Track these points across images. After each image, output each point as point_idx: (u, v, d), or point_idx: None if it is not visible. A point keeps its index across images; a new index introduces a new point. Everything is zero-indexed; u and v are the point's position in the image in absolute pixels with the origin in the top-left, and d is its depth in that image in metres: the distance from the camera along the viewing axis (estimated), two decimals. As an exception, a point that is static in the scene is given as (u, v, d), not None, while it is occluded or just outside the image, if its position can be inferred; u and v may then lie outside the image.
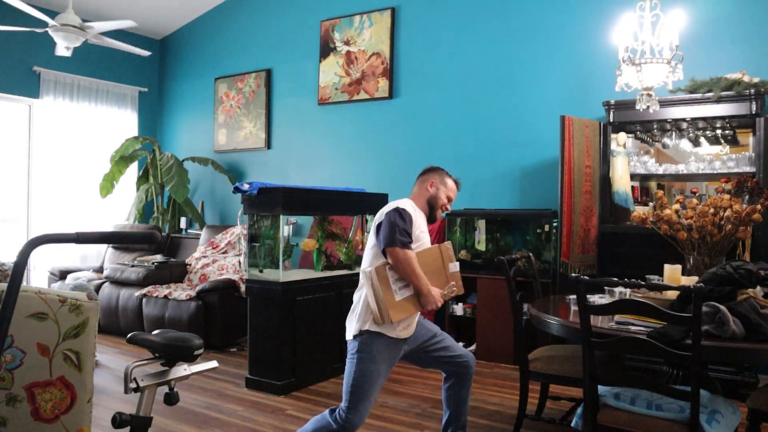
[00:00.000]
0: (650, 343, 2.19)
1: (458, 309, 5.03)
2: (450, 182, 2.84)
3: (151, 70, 7.76)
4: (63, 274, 6.23)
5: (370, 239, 2.71)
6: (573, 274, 3.16)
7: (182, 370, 1.99)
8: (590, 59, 4.83)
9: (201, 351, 1.97)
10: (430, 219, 2.82)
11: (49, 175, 6.59)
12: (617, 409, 2.36)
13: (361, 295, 2.61)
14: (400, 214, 2.59)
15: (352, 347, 2.60)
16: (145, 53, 5.68)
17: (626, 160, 4.42)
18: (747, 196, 3.14)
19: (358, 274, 2.81)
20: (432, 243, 2.79)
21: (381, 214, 2.66)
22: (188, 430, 3.32)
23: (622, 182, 4.40)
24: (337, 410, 2.59)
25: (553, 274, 4.69)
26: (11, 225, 6.48)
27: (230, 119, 7.04)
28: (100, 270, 6.43)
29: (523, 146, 5.13)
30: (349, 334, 2.62)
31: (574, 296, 2.61)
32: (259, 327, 4.04)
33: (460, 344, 2.95)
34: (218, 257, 5.87)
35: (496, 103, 5.29)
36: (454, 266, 2.71)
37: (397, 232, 2.53)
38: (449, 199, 2.84)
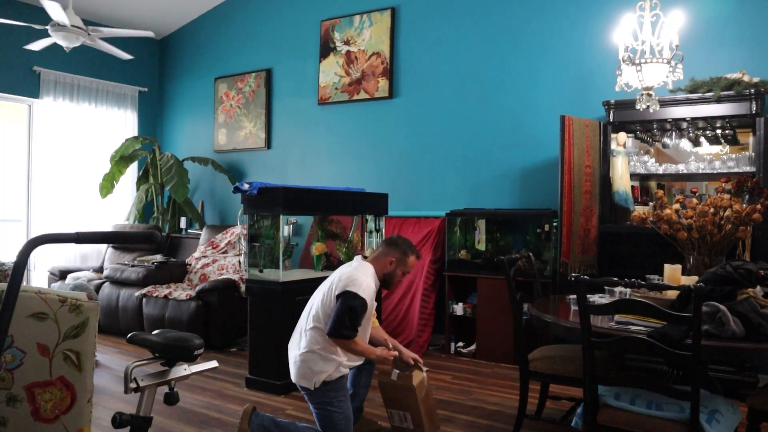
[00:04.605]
0: (650, 343, 2.19)
1: (458, 309, 5.02)
2: (411, 260, 2.98)
3: (151, 70, 7.75)
4: (63, 274, 6.23)
5: (328, 296, 2.80)
6: (573, 274, 3.17)
7: (182, 370, 1.99)
8: (590, 59, 4.82)
9: (201, 351, 1.97)
10: (384, 287, 3.01)
11: (49, 175, 6.59)
12: (617, 409, 2.36)
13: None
14: (359, 305, 2.70)
15: (320, 395, 2.77)
16: (127, 56, 5.64)
17: (626, 160, 4.42)
18: (747, 196, 3.13)
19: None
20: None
21: (342, 282, 2.75)
22: (188, 430, 3.32)
23: (622, 182, 4.40)
24: None
25: (553, 274, 4.68)
26: (11, 225, 6.48)
27: (230, 119, 7.04)
28: (100, 270, 6.43)
29: (523, 146, 5.13)
30: (315, 383, 2.76)
31: (574, 296, 2.61)
32: (259, 327, 4.04)
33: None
34: (218, 257, 5.87)
35: (496, 103, 5.28)
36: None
37: (344, 326, 2.68)
38: (404, 274, 3.00)
